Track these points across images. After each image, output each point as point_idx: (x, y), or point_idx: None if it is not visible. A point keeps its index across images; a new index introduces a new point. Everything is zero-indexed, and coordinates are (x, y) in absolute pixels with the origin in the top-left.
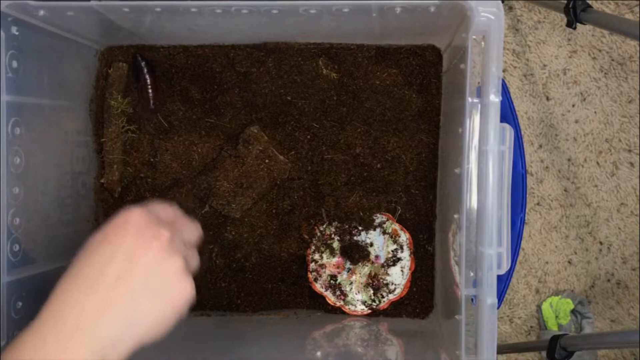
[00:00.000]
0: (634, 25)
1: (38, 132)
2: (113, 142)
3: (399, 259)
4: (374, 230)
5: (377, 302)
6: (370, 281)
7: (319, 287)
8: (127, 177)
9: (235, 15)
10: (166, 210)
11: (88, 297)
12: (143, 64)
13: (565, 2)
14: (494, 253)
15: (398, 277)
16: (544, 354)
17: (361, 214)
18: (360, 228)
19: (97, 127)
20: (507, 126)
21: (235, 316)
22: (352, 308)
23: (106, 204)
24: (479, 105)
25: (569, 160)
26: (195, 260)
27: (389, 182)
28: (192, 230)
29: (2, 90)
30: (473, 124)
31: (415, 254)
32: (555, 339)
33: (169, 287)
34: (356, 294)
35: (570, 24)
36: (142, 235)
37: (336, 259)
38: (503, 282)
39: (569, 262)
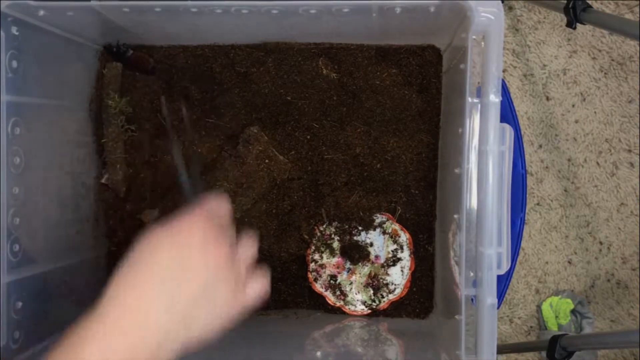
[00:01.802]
0: (634, 25)
1: (38, 132)
2: (114, 142)
3: (399, 259)
4: (374, 230)
5: (377, 302)
6: (370, 281)
7: (319, 287)
8: (128, 177)
9: (235, 15)
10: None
11: (149, 292)
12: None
13: (565, 2)
14: (494, 253)
15: (398, 277)
16: (544, 354)
17: (361, 214)
18: (360, 228)
19: (97, 127)
20: (507, 126)
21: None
22: (352, 308)
23: (106, 203)
24: (479, 105)
25: (569, 160)
26: (257, 282)
27: (389, 182)
28: (249, 247)
29: (2, 90)
30: (473, 124)
31: (415, 254)
32: (555, 339)
33: (221, 303)
34: (356, 294)
35: (570, 24)
36: (206, 246)
37: (336, 259)
38: (503, 282)
39: (569, 262)
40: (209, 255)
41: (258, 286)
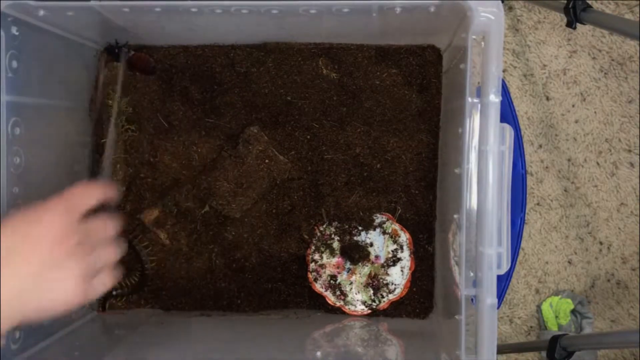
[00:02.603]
0: (634, 25)
1: (38, 132)
2: (114, 141)
3: (399, 259)
4: (374, 230)
5: (377, 302)
6: (370, 281)
7: (319, 287)
8: (128, 177)
9: (235, 15)
10: (93, 222)
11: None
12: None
13: (565, 2)
14: (494, 253)
15: (398, 277)
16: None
17: (361, 214)
18: (360, 228)
19: (97, 127)
20: (507, 126)
21: (235, 316)
22: (352, 308)
23: None
24: (479, 105)
25: (569, 160)
26: (102, 282)
27: (389, 182)
28: (108, 251)
29: (2, 90)
30: (473, 124)
31: (415, 254)
32: (555, 339)
33: (57, 290)
34: (356, 294)
35: (570, 24)
36: (56, 238)
37: (336, 259)
38: (503, 282)
39: (569, 262)
40: (54, 247)
41: (101, 284)
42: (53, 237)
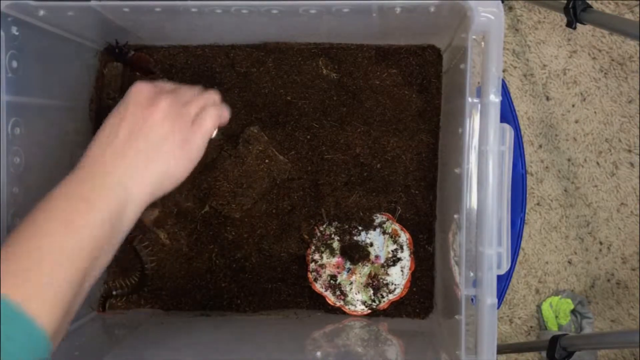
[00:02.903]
0: (634, 25)
1: (38, 132)
2: None
3: (399, 259)
4: (374, 230)
5: (377, 302)
6: (370, 281)
7: (319, 287)
8: None
9: (235, 15)
10: (181, 89)
11: (105, 154)
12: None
13: (565, 2)
14: (494, 253)
15: (398, 277)
16: (544, 354)
17: (361, 214)
18: (360, 228)
19: (97, 127)
20: (507, 126)
21: (235, 316)
22: (352, 308)
23: None
24: (479, 105)
25: (569, 160)
26: (200, 138)
27: (389, 182)
28: (207, 115)
29: (2, 90)
30: (473, 124)
31: (415, 254)
32: (555, 339)
33: (168, 152)
34: (356, 294)
35: (570, 24)
36: (141, 105)
37: (336, 259)
38: (503, 282)
39: (569, 262)
40: (145, 112)
41: (207, 118)
42: (165, 115)
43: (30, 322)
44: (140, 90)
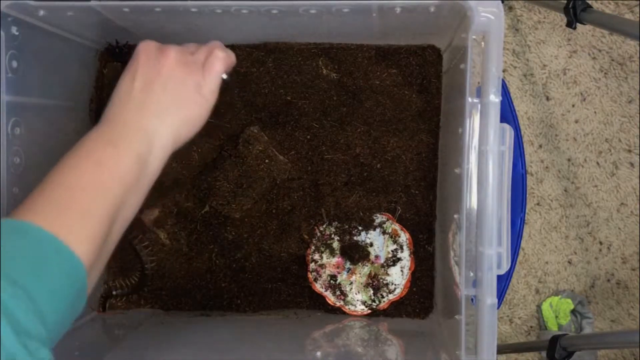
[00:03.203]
0: (634, 25)
1: (38, 132)
2: None
3: (399, 259)
4: (374, 230)
5: (377, 302)
6: (370, 281)
7: (319, 287)
8: None
9: (235, 15)
10: (184, 45)
11: (126, 106)
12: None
13: (565, 2)
14: (494, 253)
15: (398, 277)
16: (544, 354)
17: (361, 214)
18: (360, 228)
19: None
20: (507, 126)
21: (235, 316)
22: (352, 308)
23: None
24: (479, 105)
25: (569, 160)
26: (212, 81)
27: (389, 182)
28: (215, 58)
29: (2, 90)
30: (473, 124)
31: (415, 254)
32: (555, 339)
33: (184, 97)
34: (356, 294)
35: (570, 24)
36: (151, 57)
37: (336, 259)
38: (503, 282)
39: (569, 262)
40: (156, 63)
41: (216, 61)
42: (175, 63)
43: (67, 251)
44: (148, 45)
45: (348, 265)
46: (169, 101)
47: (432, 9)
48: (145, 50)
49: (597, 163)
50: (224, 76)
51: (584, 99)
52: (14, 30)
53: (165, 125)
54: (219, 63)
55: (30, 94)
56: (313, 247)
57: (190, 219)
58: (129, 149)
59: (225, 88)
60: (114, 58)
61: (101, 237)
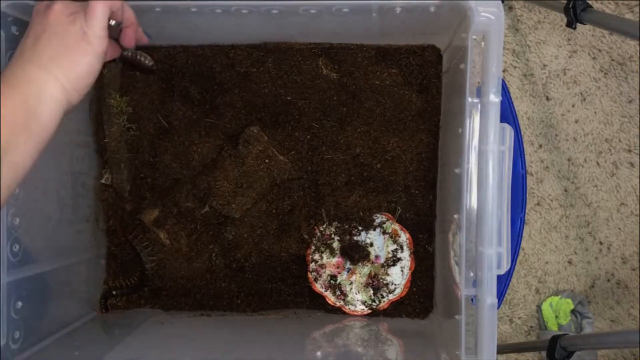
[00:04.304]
0: (634, 25)
1: None
2: (117, 141)
3: (399, 259)
4: (374, 230)
5: (377, 302)
6: (370, 281)
7: (319, 287)
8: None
9: (235, 15)
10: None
11: (17, 61)
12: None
13: (565, 2)
14: (494, 253)
15: (398, 277)
16: (544, 354)
17: (361, 214)
18: (360, 228)
19: (97, 127)
20: (507, 126)
21: (235, 316)
22: (352, 308)
23: (106, 203)
24: (479, 105)
25: (569, 160)
26: (95, 25)
27: (389, 182)
28: (94, 2)
29: None
30: (473, 124)
31: (415, 254)
32: (555, 339)
33: (69, 45)
34: (356, 294)
35: (570, 24)
36: (40, 14)
37: (336, 259)
38: (503, 282)
39: (569, 262)
40: (43, 16)
41: (96, 5)
42: (59, 15)
43: None
44: (39, 4)
45: (348, 265)
46: (54, 51)
47: (432, 9)
48: (36, 9)
49: (597, 163)
50: (112, 22)
51: (584, 99)
52: (14, 30)
53: (52, 73)
54: (99, 6)
55: None
56: (313, 247)
57: (190, 219)
58: (14, 94)
59: (117, 34)
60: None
61: None
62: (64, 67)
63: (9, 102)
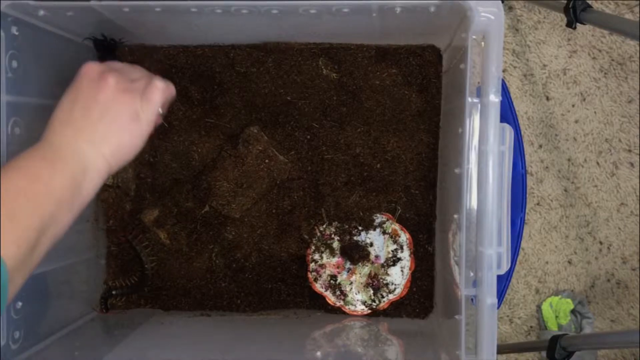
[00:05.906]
0: (634, 25)
1: (38, 132)
2: None
3: (399, 259)
4: (374, 230)
5: (377, 302)
6: (370, 281)
7: (319, 287)
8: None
9: (235, 15)
10: (128, 68)
11: (64, 129)
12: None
13: (565, 2)
14: (494, 253)
15: (398, 277)
16: (544, 354)
17: (361, 214)
18: (360, 228)
19: None
20: (507, 126)
21: (235, 316)
22: (352, 308)
23: (106, 203)
24: (479, 105)
25: (569, 160)
26: (149, 111)
27: (389, 182)
28: (154, 88)
29: (2, 90)
30: (473, 124)
31: (415, 254)
32: (555, 339)
33: (121, 125)
34: (356, 294)
35: (570, 24)
36: (93, 82)
37: (336, 259)
38: (503, 282)
39: (569, 262)
40: (97, 88)
41: (155, 91)
42: (115, 90)
43: None
44: (90, 68)
45: (348, 265)
46: (105, 128)
47: (432, 9)
48: (87, 74)
49: (597, 163)
50: (160, 110)
51: (584, 99)
52: (14, 30)
53: (101, 151)
54: (158, 93)
55: (30, 94)
56: (313, 247)
57: (190, 219)
58: (64, 169)
59: (160, 124)
60: (106, 55)
61: (27, 244)
62: (112, 146)
63: (58, 177)
